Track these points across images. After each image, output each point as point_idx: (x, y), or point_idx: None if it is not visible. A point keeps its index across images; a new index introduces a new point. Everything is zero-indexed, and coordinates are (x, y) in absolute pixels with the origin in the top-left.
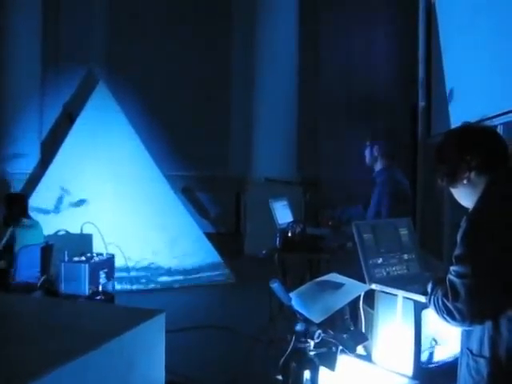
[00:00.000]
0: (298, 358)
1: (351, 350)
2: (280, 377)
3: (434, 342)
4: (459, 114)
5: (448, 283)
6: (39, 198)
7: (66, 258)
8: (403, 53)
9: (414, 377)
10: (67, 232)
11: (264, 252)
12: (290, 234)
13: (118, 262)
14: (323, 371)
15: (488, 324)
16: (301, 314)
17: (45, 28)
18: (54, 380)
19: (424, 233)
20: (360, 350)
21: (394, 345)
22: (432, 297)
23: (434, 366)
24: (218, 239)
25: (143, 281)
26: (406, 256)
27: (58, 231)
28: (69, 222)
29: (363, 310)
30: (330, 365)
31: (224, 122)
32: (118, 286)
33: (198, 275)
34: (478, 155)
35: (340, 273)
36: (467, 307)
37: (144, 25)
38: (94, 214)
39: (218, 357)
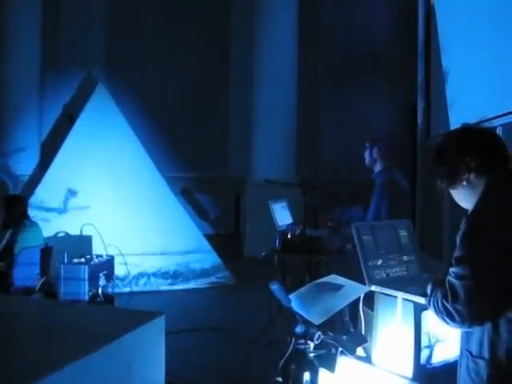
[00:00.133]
0: (298, 360)
1: (351, 351)
2: (280, 378)
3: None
4: (458, 116)
5: (447, 285)
6: (39, 200)
7: (66, 260)
8: (403, 54)
9: (414, 378)
10: (67, 234)
11: (263, 253)
12: (289, 236)
13: (118, 264)
14: (323, 373)
15: (487, 325)
16: (300, 315)
17: (44, 29)
18: (54, 382)
19: (423, 234)
20: (360, 351)
21: (394, 346)
22: (431, 298)
23: (433, 367)
24: (217, 241)
25: (143, 282)
26: (405, 257)
27: (58, 233)
28: (68, 224)
29: (363, 312)
30: (330, 366)
31: (223, 124)
32: (117, 288)
33: (197, 277)
34: (478, 157)
35: (339, 274)
36: (467, 309)
37: (143, 26)
38: (93, 216)
39: (218, 358)
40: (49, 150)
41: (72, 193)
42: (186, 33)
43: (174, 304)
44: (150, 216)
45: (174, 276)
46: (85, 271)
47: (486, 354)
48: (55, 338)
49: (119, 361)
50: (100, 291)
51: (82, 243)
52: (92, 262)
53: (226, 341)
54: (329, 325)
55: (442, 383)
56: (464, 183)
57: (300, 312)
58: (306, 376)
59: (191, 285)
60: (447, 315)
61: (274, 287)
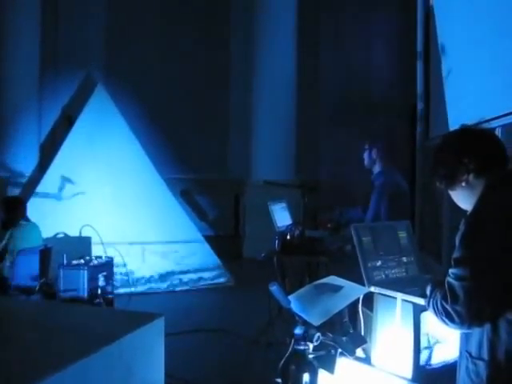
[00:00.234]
0: (297, 361)
1: (350, 352)
2: (279, 380)
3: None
4: (457, 117)
5: (447, 286)
6: (37, 201)
7: (65, 261)
8: (402, 54)
9: (414, 379)
10: (66, 235)
11: (263, 255)
12: (288, 237)
13: (117, 265)
14: (322, 374)
15: (487, 327)
16: (300, 316)
17: (43, 30)
18: (54, 383)
19: (423, 235)
20: (359, 352)
21: (393, 347)
22: (431, 299)
23: (433, 368)
24: (216, 242)
25: (142, 284)
26: (404, 259)
27: (57, 234)
28: (67, 225)
29: (362, 313)
30: (329, 368)
31: (223, 125)
32: (117, 289)
33: (197, 278)
34: (476, 158)
35: (339, 275)
36: (466, 310)
37: (142, 27)
38: (92, 217)
39: (217, 360)
40: (48, 151)
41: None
42: (186, 34)
43: (173, 305)
44: (150, 217)
45: (173, 277)
46: (84, 272)
47: (485, 355)
48: (55, 339)
49: (119, 362)
50: (99, 292)
51: (82, 244)
52: (91, 264)
53: (226, 342)
54: (328, 326)
55: None
56: (463, 184)
57: (299, 313)
58: (306, 377)
59: (190, 286)
60: (446, 316)
61: (274, 288)
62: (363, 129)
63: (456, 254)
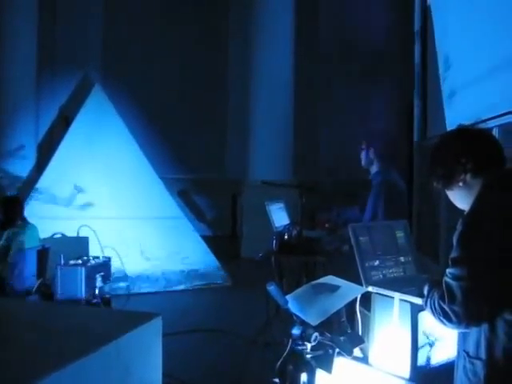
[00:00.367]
0: (295, 361)
1: (348, 352)
2: (277, 379)
3: (430, 343)
4: (455, 117)
5: (444, 285)
6: (35, 201)
7: (62, 262)
8: (399, 55)
9: (411, 379)
10: (63, 235)
11: (260, 255)
12: (286, 237)
13: (115, 265)
14: (320, 374)
15: (484, 326)
16: (297, 316)
17: (41, 31)
18: (52, 383)
19: (420, 235)
20: (357, 352)
21: (391, 347)
22: (428, 299)
23: (430, 368)
24: (214, 242)
25: (140, 284)
26: (402, 258)
27: (54, 234)
28: (65, 225)
29: (360, 313)
30: (327, 367)
31: (220, 125)
32: (114, 290)
33: (194, 278)
34: (474, 158)
35: (336, 275)
36: (463, 309)
37: (140, 27)
38: (90, 217)
39: (215, 360)
40: (45, 152)
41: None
42: (184, 35)
43: (171, 305)
44: (147, 217)
45: (171, 277)
46: (82, 273)
47: (482, 355)
48: (53, 339)
49: (117, 362)
50: (97, 293)
51: (79, 244)
52: (89, 264)
53: (223, 342)
54: (326, 326)
55: None
56: (460, 184)
57: (297, 313)
58: (303, 377)
59: (188, 286)
60: (444, 316)
61: (271, 288)
62: (361, 129)
63: (453, 254)
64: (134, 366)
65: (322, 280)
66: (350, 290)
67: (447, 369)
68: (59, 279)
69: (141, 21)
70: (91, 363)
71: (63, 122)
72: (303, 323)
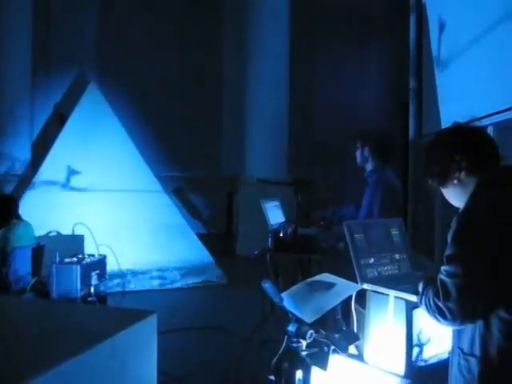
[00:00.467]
0: (291, 358)
1: (343, 349)
2: (272, 377)
3: (425, 340)
4: (450, 115)
5: (439, 283)
6: (30, 200)
7: (58, 259)
8: (395, 54)
9: (406, 376)
10: (58, 233)
11: (256, 252)
12: (281, 235)
13: (110, 263)
14: (315, 371)
15: (479, 323)
16: (293, 314)
17: (35, 28)
18: (47, 381)
19: (415, 233)
20: (352, 349)
21: (386, 344)
22: (423, 296)
23: (425, 365)
24: (209, 240)
25: (135, 282)
26: (397, 256)
27: (50, 232)
28: (60, 223)
29: (355, 310)
30: (322, 364)
31: (216, 123)
32: (109, 287)
33: (189, 276)
34: (468, 155)
35: (332, 273)
36: (458, 307)
37: (135, 26)
38: (85, 215)
39: (211, 358)
40: (40, 150)
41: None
42: (179, 33)
43: (166, 303)
44: (143, 215)
45: (166, 275)
46: (77, 270)
47: (477, 352)
48: (48, 336)
49: (112, 359)
50: (92, 290)
51: (74, 242)
52: (84, 262)
53: (219, 340)
54: (321, 323)
55: (434, 380)
56: (455, 182)
57: (292, 310)
58: (299, 374)
59: (183, 284)
60: (439, 313)
61: (267, 286)
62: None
63: (448, 252)
64: (130, 363)
65: (317, 277)
66: (345, 288)
67: (442, 366)
68: (54, 277)
69: (135, 18)
70: (86, 360)
71: (58, 120)
72: (298, 321)
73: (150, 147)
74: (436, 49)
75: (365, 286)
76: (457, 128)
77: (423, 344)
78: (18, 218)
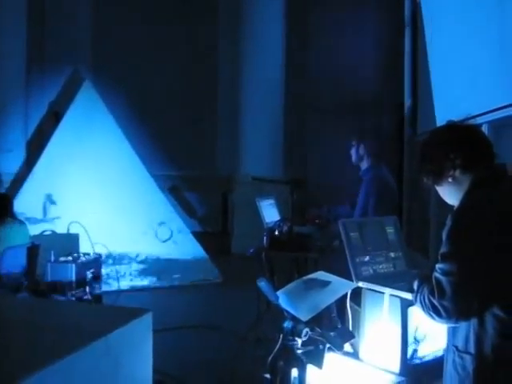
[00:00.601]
0: (286, 356)
1: (338, 347)
2: (268, 375)
3: (420, 338)
4: (445, 113)
5: (434, 281)
6: (25, 198)
7: (53, 258)
8: (390, 52)
9: (401, 373)
10: (53, 232)
11: (251, 251)
12: (277, 233)
13: (105, 262)
14: (311, 369)
15: (473, 321)
16: (288, 312)
17: (30, 26)
18: (41, 379)
19: (410, 231)
20: (347, 347)
21: (381, 342)
22: (418, 294)
23: (420, 362)
24: (205, 238)
25: (130, 280)
26: (392, 254)
27: (45, 231)
28: (55, 222)
29: (350, 308)
30: (318, 362)
31: (211, 121)
32: (105, 286)
33: (185, 274)
34: (463, 153)
35: (327, 271)
36: (453, 304)
37: (130, 24)
38: (80, 214)
39: (206, 356)
40: (35, 148)
41: (58, 193)
42: (174, 31)
43: (161, 301)
44: (138, 214)
45: (162, 273)
46: (72, 269)
47: (471, 349)
48: (42, 335)
49: (107, 358)
50: (87, 289)
51: (69, 241)
52: (79, 261)
53: (214, 338)
54: (316, 321)
55: (429, 378)
56: (450, 180)
57: (288, 308)
58: (294, 372)
59: (179, 282)
60: (434, 311)
61: (262, 284)
62: (352, 125)
63: (443, 250)
64: (125, 361)
65: (312, 276)
66: (341, 286)
67: (437, 363)
68: (49, 276)
69: (130, 17)
70: (81, 359)
71: (53, 118)
72: (294, 319)
73: (145, 146)
74: (431, 47)
75: (360, 284)
76: (451, 126)
77: (418, 342)
78: (13, 216)
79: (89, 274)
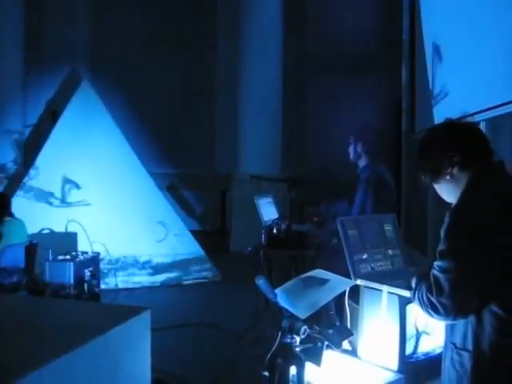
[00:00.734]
0: (284, 354)
1: (337, 345)
2: (266, 373)
3: (418, 335)
4: (443, 111)
5: (432, 278)
6: (22, 197)
7: (51, 257)
8: (388, 51)
9: (399, 370)
10: (52, 231)
11: (249, 249)
12: (275, 231)
13: (103, 260)
14: (309, 367)
15: (471, 318)
16: (286, 310)
17: (28, 25)
18: (40, 378)
19: (408, 228)
20: (345, 345)
21: (379, 339)
22: (416, 292)
23: (418, 359)
24: (203, 237)
25: (129, 279)
26: (390, 251)
27: (43, 230)
28: (53, 221)
29: (348, 306)
30: (316, 360)
31: (209, 120)
32: (103, 285)
33: (183, 273)
34: (461, 151)
35: (325, 269)
36: (451, 302)
37: (129, 23)
38: (78, 213)
39: (204, 354)
40: (32, 147)
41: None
42: (172, 30)
43: (159, 300)
44: (136, 212)
45: (160, 272)
46: (70, 268)
47: (469, 346)
48: (41, 333)
49: (105, 356)
50: (86, 288)
51: (68, 240)
52: (77, 259)
53: (213, 336)
54: (315, 319)
55: (427, 375)
56: (447, 177)
57: (286, 306)
58: (293, 370)
59: (177, 281)
60: (432, 308)
61: (260, 282)
62: (350, 123)
63: (441, 247)
64: (123, 359)
65: (310, 273)
66: (339, 283)
67: (435, 360)
68: (48, 274)
69: (128, 16)
70: (79, 357)
71: (50, 117)
72: (292, 316)
73: (143, 144)
74: (428, 46)
75: (358, 282)
76: (449, 124)
77: (416, 339)
78: (11, 215)
79: (87, 273)
